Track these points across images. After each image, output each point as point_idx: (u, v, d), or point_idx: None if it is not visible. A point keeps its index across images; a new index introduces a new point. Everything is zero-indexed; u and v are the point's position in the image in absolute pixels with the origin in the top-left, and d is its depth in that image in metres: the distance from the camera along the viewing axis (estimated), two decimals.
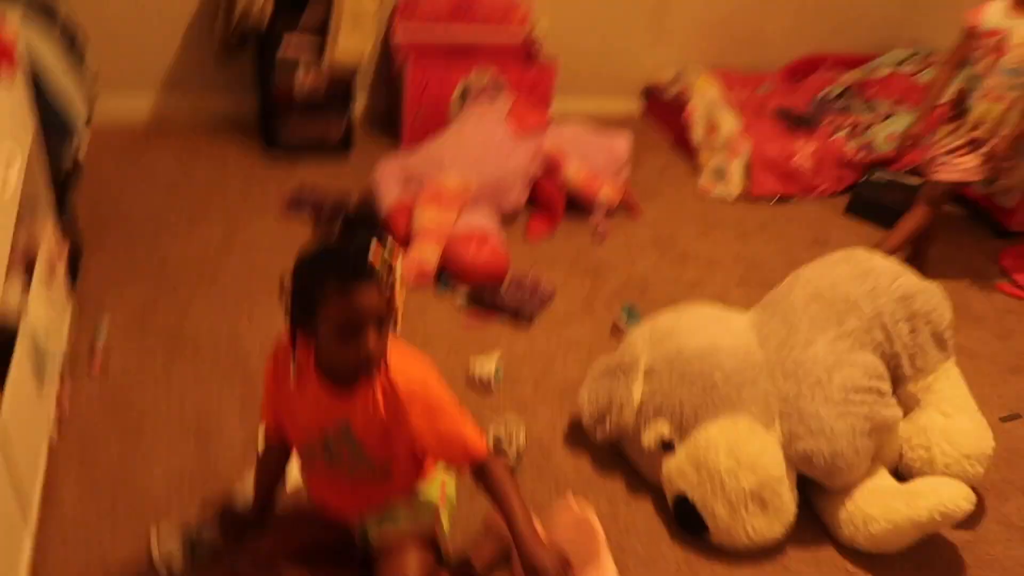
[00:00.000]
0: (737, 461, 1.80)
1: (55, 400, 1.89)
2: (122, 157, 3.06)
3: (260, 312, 2.39)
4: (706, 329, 1.97)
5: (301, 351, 1.37)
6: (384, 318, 1.29)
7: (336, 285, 1.24)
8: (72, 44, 2.12)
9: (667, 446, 1.92)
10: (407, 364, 1.40)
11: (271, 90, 3.12)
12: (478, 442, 1.42)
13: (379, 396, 1.37)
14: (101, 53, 2.39)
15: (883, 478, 1.94)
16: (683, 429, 1.89)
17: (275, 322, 2.31)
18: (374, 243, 1.29)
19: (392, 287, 1.31)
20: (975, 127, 2.71)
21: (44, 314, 1.83)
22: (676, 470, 1.88)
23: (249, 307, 2.41)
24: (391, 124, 3.59)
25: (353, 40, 3.05)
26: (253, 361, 2.20)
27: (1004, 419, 2.39)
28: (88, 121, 2.13)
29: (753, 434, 1.83)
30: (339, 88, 3.20)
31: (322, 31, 3.02)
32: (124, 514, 1.74)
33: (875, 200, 3.45)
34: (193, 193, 2.93)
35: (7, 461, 1.46)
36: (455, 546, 1.67)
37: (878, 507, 1.85)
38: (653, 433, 1.92)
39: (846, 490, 1.91)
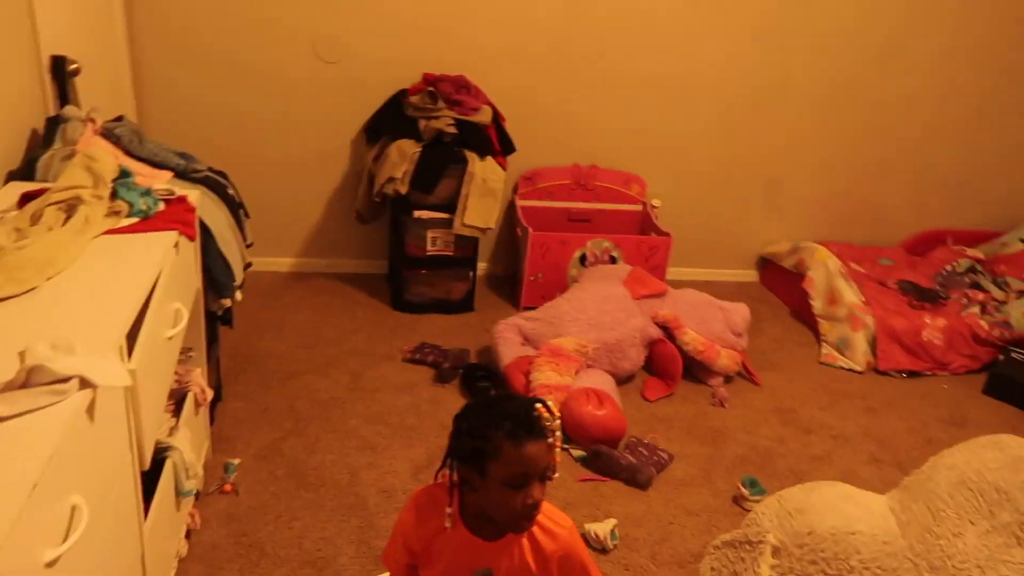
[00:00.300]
0: None
1: (186, 522, 1.98)
2: (262, 310, 3.31)
3: (380, 455, 2.47)
4: (840, 509, 1.87)
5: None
6: (547, 473, 1.35)
7: (512, 438, 1.30)
8: (237, 217, 2.39)
9: None
10: (557, 519, 1.46)
11: (403, 250, 3.35)
12: None
13: (526, 547, 1.42)
14: (256, 223, 2.68)
15: None
16: None
17: (393, 464, 2.41)
18: (539, 403, 1.36)
19: (553, 445, 1.37)
20: None
21: (188, 447, 1.95)
22: None
23: (371, 450, 2.48)
24: (511, 287, 3.75)
25: (481, 210, 3.28)
26: (371, 500, 2.26)
27: None
28: (241, 285, 2.36)
29: None
30: (465, 252, 3.40)
31: (452, 202, 3.27)
32: None
33: (1016, 380, 3.25)
34: (323, 343, 3.11)
35: (144, 572, 1.53)
36: None
37: None
38: None
39: None
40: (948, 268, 3.96)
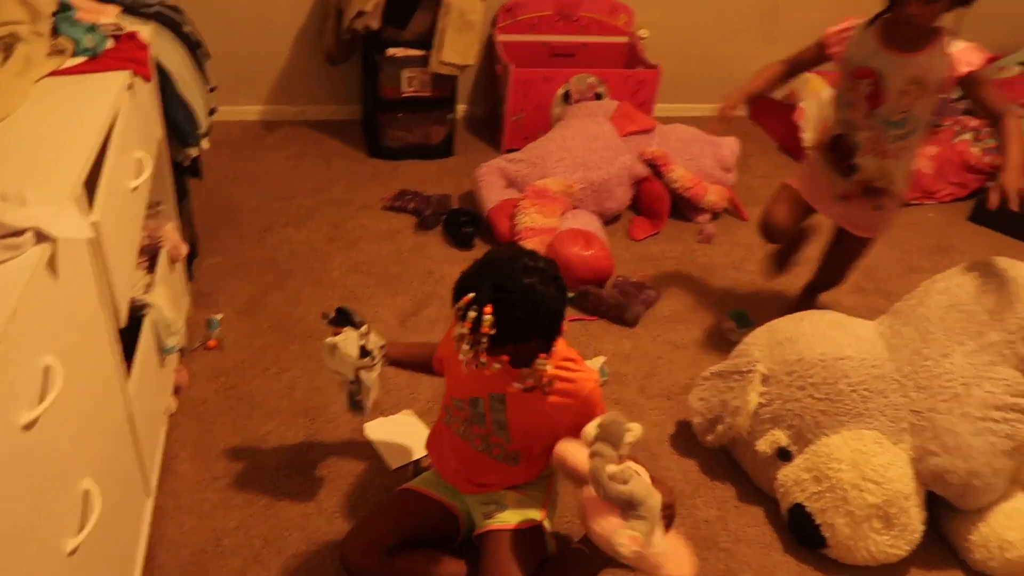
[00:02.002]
0: (862, 475, 1.70)
1: (173, 379, 1.98)
2: (232, 161, 3.17)
3: (365, 304, 2.44)
4: (829, 336, 1.88)
5: None
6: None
7: None
8: (196, 58, 2.21)
9: (784, 455, 1.83)
10: (584, 373, 1.50)
11: (377, 94, 3.18)
12: None
13: (545, 389, 1.46)
14: (217, 66, 2.49)
15: (1021, 502, 1.80)
16: (803, 438, 1.80)
17: (379, 313, 2.39)
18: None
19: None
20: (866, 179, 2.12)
21: (165, 303, 1.90)
22: (793, 480, 1.80)
23: (356, 300, 2.45)
24: (492, 129, 3.60)
25: (458, 46, 3.08)
26: None
27: None
28: (207, 132, 2.22)
29: (880, 447, 1.73)
30: (443, 92, 3.23)
31: (428, 38, 3.06)
32: (236, 485, 1.81)
33: (1002, 207, 3.22)
34: (300, 194, 3.01)
35: (132, 433, 1.53)
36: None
37: (1017, 532, 1.72)
38: (769, 441, 1.84)
39: (979, 512, 1.78)
40: (943, 94, 3.83)
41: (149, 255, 1.96)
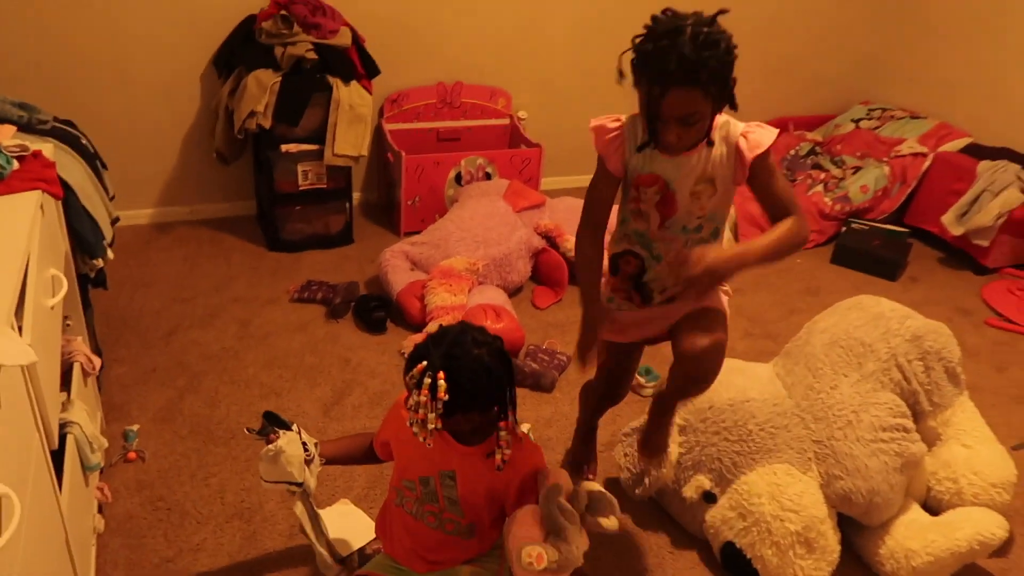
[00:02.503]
0: (781, 505, 1.85)
1: (96, 497, 1.91)
2: (127, 267, 3.11)
3: (285, 399, 2.43)
4: (733, 382, 2.05)
5: None
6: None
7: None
8: (95, 169, 2.21)
9: (709, 497, 1.97)
10: (528, 448, 1.57)
11: (273, 188, 3.22)
12: None
13: (494, 463, 1.50)
14: (111, 175, 2.48)
15: (917, 512, 2.00)
16: (723, 479, 1.95)
17: (302, 406, 2.39)
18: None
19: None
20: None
21: (85, 420, 1.85)
22: (721, 519, 1.93)
23: (275, 395, 2.44)
24: (388, 214, 3.70)
25: (350, 138, 3.18)
26: None
27: (1015, 448, 2.47)
28: (112, 242, 2.21)
29: (792, 478, 1.89)
30: (338, 183, 3.31)
31: (320, 133, 3.15)
32: None
33: (858, 248, 3.61)
34: (201, 293, 2.98)
35: (71, 559, 1.47)
36: None
37: (917, 541, 1.91)
38: (694, 486, 1.97)
39: (884, 527, 1.96)
40: (792, 152, 4.27)
41: (63, 371, 1.91)
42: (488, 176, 3.55)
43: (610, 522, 1.47)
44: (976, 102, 4.12)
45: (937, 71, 4.34)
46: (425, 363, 1.41)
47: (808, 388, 2.02)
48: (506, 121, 3.89)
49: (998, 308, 3.34)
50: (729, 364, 2.18)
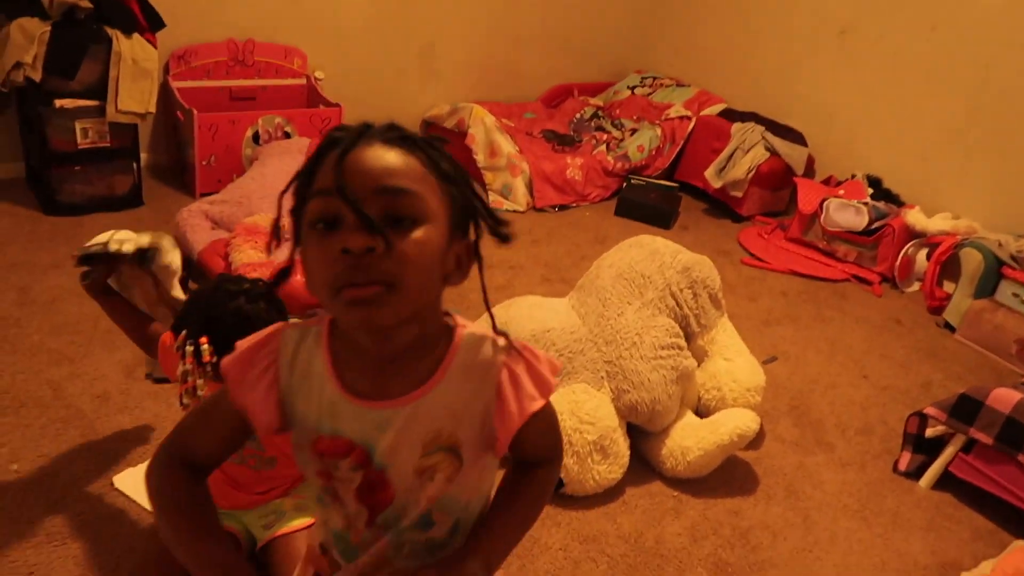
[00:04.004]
0: (580, 419, 2.08)
1: None
2: None
3: (81, 364, 2.31)
4: (534, 316, 2.25)
5: None
6: None
7: None
8: None
9: None
10: None
11: (47, 147, 2.97)
12: None
13: None
14: None
15: (690, 417, 2.33)
16: None
17: (100, 370, 2.30)
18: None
19: None
20: None
21: None
22: None
23: (68, 362, 2.31)
24: (180, 175, 3.54)
25: (135, 94, 3.01)
26: (86, 407, 2.14)
27: (765, 362, 2.91)
28: None
29: (588, 395, 2.13)
30: (124, 142, 3.12)
31: (99, 87, 2.94)
32: None
33: (637, 201, 4.00)
34: None
35: None
36: None
37: (691, 439, 2.22)
38: None
39: (664, 431, 2.27)
40: (578, 116, 4.60)
41: None
42: (287, 135, 3.50)
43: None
44: (729, 72, 4.67)
45: (697, 43, 4.86)
46: (184, 332, 1.44)
47: (599, 316, 2.26)
48: (303, 81, 3.84)
49: (751, 249, 3.87)
50: (530, 300, 2.39)
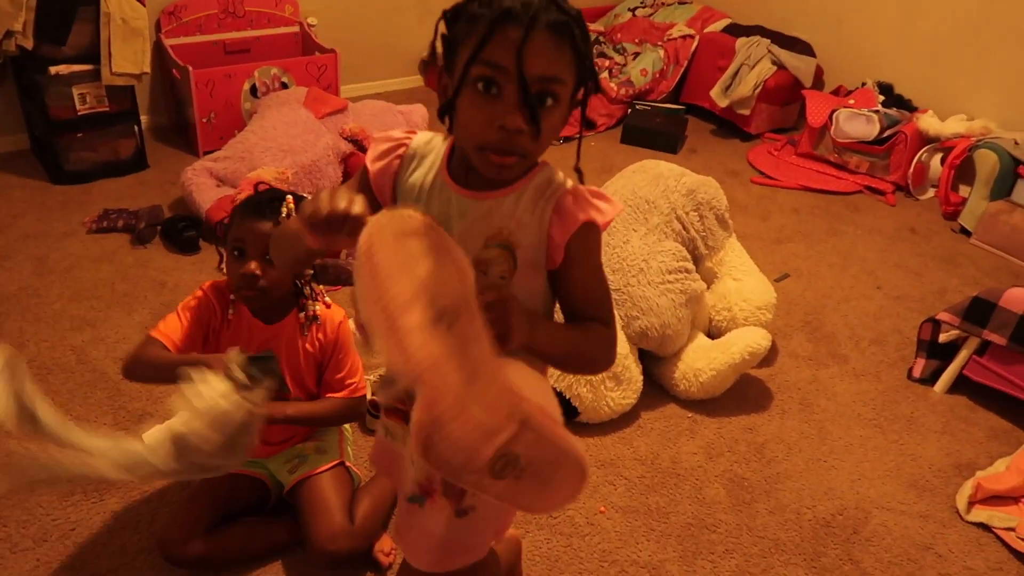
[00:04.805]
0: None
1: None
2: None
3: (101, 328, 2.36)
4: None
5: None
6: (270, 257, 1.49)
7: (241, 212, 1.55)
8: None
9: None
10: (331, 314, 1.70)
11: (47, 116, 2.98)
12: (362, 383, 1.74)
13: (300, 333, 1.64)
14: None
15: (701, 339, 2.35)
16: None
17: (121, 332, 2.34)
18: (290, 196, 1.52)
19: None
20: None
21: None
22: None
23: (90, 327, 2.36)
24: (182, 134, 3.54)
25: (128, 54, 2.99)
26: (110, 370, 2.20)
27: (777, 280, 2.91)
28: None
29: None
30: (123, 105, 3.12)
31: (92, 51, 2.93)
32: (24, 529, 1.72)
33: (643, 127, 3.94)
34: None
35: None
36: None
37: (703, 361, 2.25)
38: None
39: (676, 355, 2.29)
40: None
41: None
42: (284, 86, 3.48)
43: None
44: None
45: None
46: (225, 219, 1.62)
47: (605, 245, 2.26)
48: (296, 28, 3.79)
49: (761, 168, 3.81)
50: None
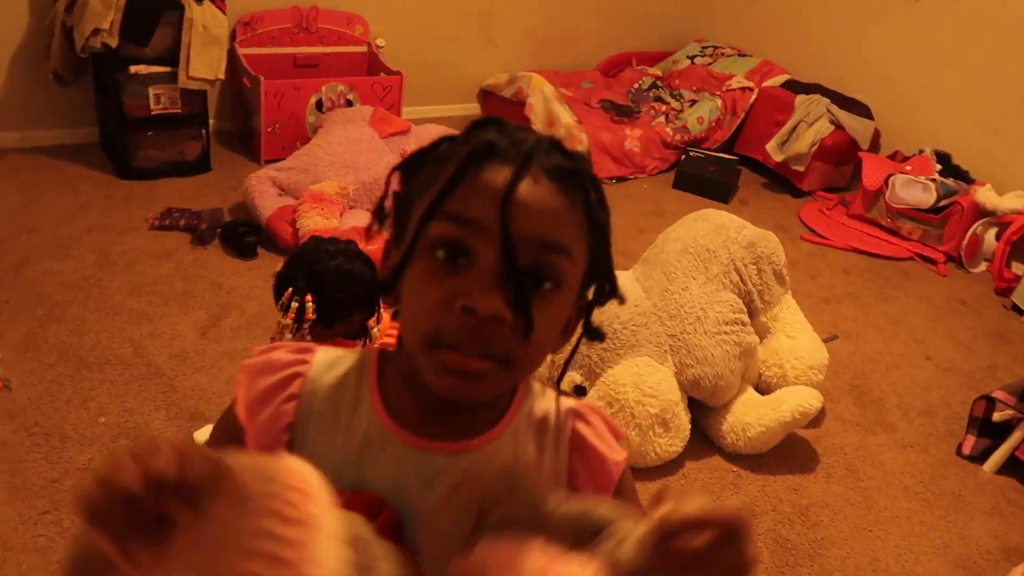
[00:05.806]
0: (642, 392, 2.10)
1: None
2: None
3: (159, 324, 2.40)
4: None
5: None
6: None
7: None
8: None
9: (580, 391, 2.19)
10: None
11: (122, 113, 3.05)
12: None
13: None
14: None
15: (752, 393, 2.33)
16: (592, 374, 2.17)
17: (177, 330, 2.38)
18: None
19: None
20: None
21: None
22: None
23: (147, 321, 2.40)
24: (246, 141, 3.61)
25: (206, 60, 3.07)
26: (165, 366, 2.24)
27: (825, 340, 2.88)
28: None
29: (652, 368, 2.15)
30: (194, 108, 3.19)
31: (172, 54, 3.01)
32: (70, 516, 1.73)
33: (695, 174, 3.96)
34: (49, 224, 2.82)
35: None
36: None
37: (752, 415, 2.23)
38: (567, 382, 2.18)
39: (725, 407, 2.28)
40: (636, 86, 4.55)
41: None
42: (349, 103, 3.54)
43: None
44: (793, 41, 4.56)
45: (759, 11, 4.74)
46: (291, 289, 1.52)
47: (664, 290, 2.27)
48: (364, 48, 3.87)
49: (811, 225, 3.81)
50: None
